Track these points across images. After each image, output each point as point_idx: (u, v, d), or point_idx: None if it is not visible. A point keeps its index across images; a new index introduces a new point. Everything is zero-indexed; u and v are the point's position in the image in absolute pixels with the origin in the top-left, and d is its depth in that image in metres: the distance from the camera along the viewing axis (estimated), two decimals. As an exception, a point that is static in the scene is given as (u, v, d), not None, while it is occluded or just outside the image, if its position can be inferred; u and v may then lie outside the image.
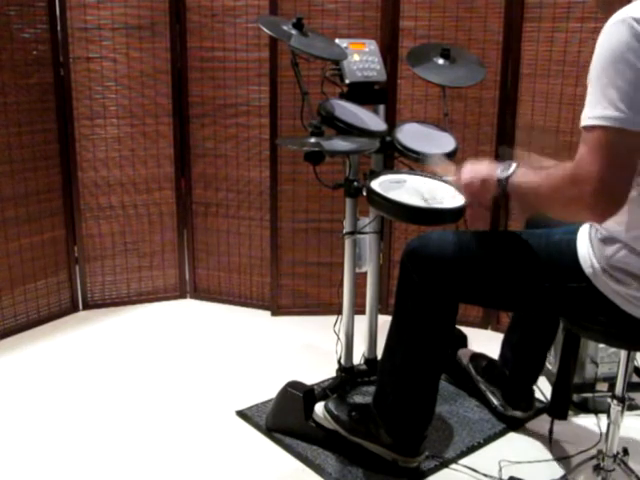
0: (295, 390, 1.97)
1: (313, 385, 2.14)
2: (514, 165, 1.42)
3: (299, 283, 2.91)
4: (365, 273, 2.22)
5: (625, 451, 1.66)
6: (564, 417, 1.83)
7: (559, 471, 1.83)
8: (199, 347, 2.61)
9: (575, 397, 2.11)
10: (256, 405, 2.15)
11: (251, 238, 2.93)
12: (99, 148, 2.82)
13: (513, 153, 1.84)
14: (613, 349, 2.06)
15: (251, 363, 2.47)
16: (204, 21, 2.76)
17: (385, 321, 1.87)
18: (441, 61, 2.16)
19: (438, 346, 1.70)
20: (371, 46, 2.16)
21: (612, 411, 1.60)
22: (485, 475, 1.81)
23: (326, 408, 1.89)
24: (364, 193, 1.84)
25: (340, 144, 1.82)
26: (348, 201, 2.07)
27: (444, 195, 1.77)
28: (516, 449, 1.94)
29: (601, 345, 2.08)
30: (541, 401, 2.14)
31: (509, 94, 2.55)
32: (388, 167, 2.27)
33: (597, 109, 1.18)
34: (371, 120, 2.04)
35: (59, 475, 1.81)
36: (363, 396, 2.19)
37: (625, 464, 1.65)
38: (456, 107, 2.62)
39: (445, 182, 1.84)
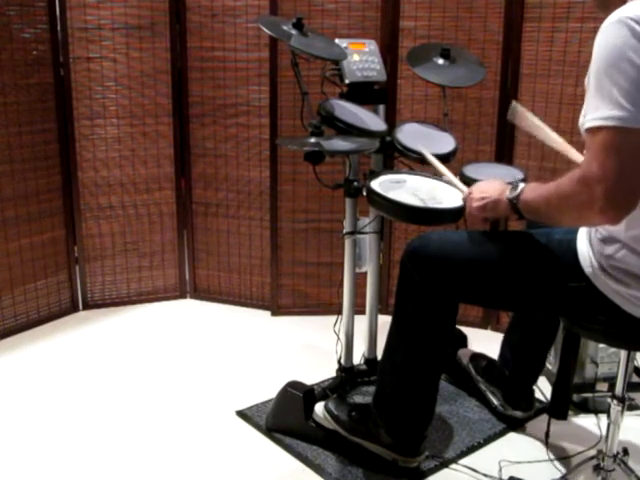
0: (295, 390, 1.97)
1: (313, 385, 2.14)
2: (522, 184, 1.44)
3: (299, 283, 2.91)
4: (365, 273, 2.22)
5: (625, 451, 1.66)
6: (564, 417, 1.83)
7: (559, 471, 1.83)
8: (199, 347, 2.61)
9: (575, 397, 2.11)
10: (256, 405, 2.15)
11: (251, 238, 2.93)
12: (99, 148, 2.82)
13: (522, 113, 1.84)
14: (613, 349, 2.06)
15: (251, 363, 2.47)
16: (204, 21, 2.76)
17: (385, 321, 1.87)
18: (441, 61, 2.16)
19: (438, 346, 1.70)
20: (371, 46, 2.16)
21: (612, 411, 1.60)
22: (485, 475, 1.81)
23: (326, 408, 1.89)
24: (364, 193, 1.84)
25: (340, 144, 1.82)
26: (348, 201, 2.07)
27: (444, 195, 1.78)
28: (516, 449, 1.94)
29: (601, 345, 2.08)
30: (541, 401, 2.14)
31: (509, 94, 2.55)
32: (388, 167, 2.26)
33: (601, 110, 1.18)
34: (371, 120, 2.04)
35: (59, 475, 1.81)
36: (363, 396, 2.19)
37: (625, 464, 1.65)
38: (456, 107, 2.62)
39: (445, 182, 1.84)
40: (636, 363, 2.09)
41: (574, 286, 1.43)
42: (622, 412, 1.59)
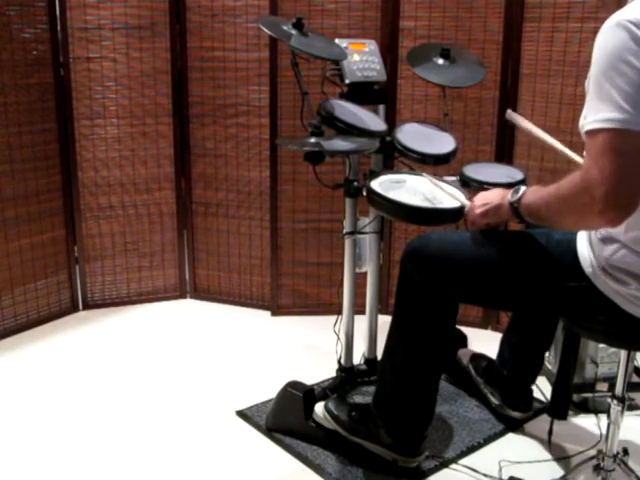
0: (295, 390, 1.97)
1: (313, 385, 2.14)
2: (523, 187, 1.44)
3: (299, 283, 2.91)
4: (365, 273, 2.22)
5: (625, 451, 1.66)
6: (564, 417, 1.83)
7: (559, 471, 1.83)
8: (199, 347, 2.61)
9: (575, 397, 2.11)
10: (256, 405, 2.15)
11: (251, 238, 2.93)
12: (99, 148, 2.82)
13: (519, 120, 1.86)
14: (613, 349, 2.06)
15: (251, 363, 2.47)
16: (204, 21, 2.77)
17: (385, 321, 1.87)
18: (441, 61, 2.16)
19: (438, 346, 1.70)
20: (371, 46, 2.16)
21: (612, 411, 1.60)
22: (485, 475, 1.81)
23: (326, 408, 1.89)
24: (364, 193, 1.84)
25: (340, 144, 1.82)
26: (348, 201, 2.07)
27: (444, 195, 1.78)
28: (516, 449, 1.94)
29: (601, 345, 2.08)
30: (541, 401, 2.14)
31: (509, 94, 2.55)
32: (388, 167, 2.27)
33: (601, 112, 1.18)
34: (371, 120, 2.03)
35: (59, 475, 1.81)
36: (363, 396, 2.19)
37: (625, 464, 1.65)
38: (456, 107, 2.62)
39: (445, 182, 1.84)
40: (636, 363, 2.09)
41: (574, 286, 1.43)
42: (622, 412, 1.59)
